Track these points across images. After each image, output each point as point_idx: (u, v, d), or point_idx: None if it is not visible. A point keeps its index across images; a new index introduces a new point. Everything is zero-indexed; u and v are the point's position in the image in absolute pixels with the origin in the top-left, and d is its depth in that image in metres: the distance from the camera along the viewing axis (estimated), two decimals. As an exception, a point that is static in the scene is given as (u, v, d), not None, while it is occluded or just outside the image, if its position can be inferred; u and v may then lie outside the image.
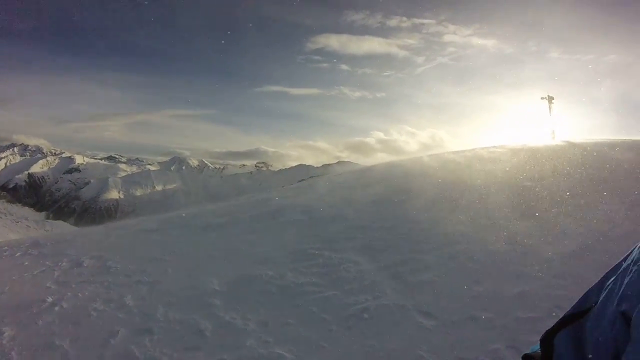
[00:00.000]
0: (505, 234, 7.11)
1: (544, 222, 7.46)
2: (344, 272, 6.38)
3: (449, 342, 4.20)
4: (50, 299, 6.10)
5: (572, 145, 15.70)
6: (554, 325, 0.96)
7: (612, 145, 14.22)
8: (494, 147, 17.40)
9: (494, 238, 6.97)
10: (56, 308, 5.80)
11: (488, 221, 7.88)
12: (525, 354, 1.05)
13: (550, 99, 21.66)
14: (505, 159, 14.57)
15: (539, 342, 1.00)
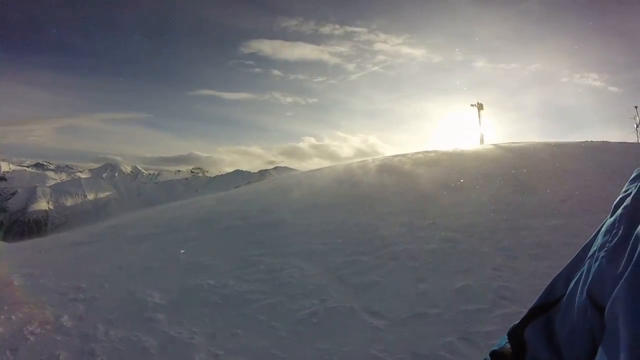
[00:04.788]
0: (442, 233, 7.38)
1: (480, 219, 7.84)
2: (288, 278, 6.35)
3: (402, 339, 4.27)
4: (-18, 324, 5.65)
5: (498, 148, 16.63)
6: (522, 319, 0.94)
7: (536, 147, 15.23)
8: (426, 151, 18.04)
9: (432, 237, 7.23)
10: (-10, 333, 5.37)
11: (425, 221, 8.15)
12: (493, 351, 0.99)
13: (480, 105, 22.76)
14: (437, 162, 15.19)
15: (505, 336, 0.98)
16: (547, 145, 16.62)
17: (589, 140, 17.09)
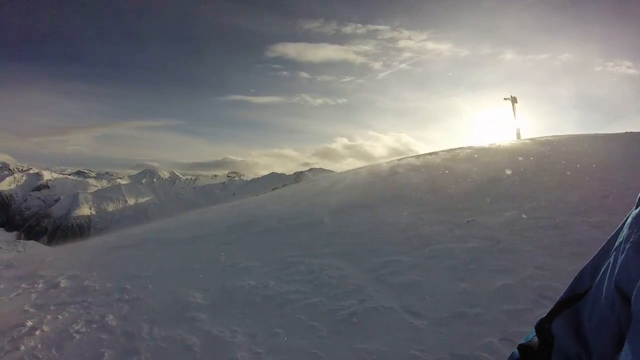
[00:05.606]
0: (481, 231, 7.24)
1: (519, 216, 7.64)
2: (327, 278, 6.36)
3: (441, 339, 4.22)
4: (30, 323, 5.88)
5: (535, 142, 16.23)
6: (549, 312, 0.95)
7: (574, 140, 14.80)
8: (462, 147, 17.77)
9: (472, 235, 7.10)
10: (37, 332, 5.58)
11: (464, 219, 8.02)
12: (521, 344, 1.02)
13: (514, 99, 22.21)
14: (474, 158, 14.93)
15: (533, 330, 0.99)
16: (586, 137, 16.14)
17: (629, 131, 16.42)
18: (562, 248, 5.90)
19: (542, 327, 0.95)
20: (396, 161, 18.66)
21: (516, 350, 1.01)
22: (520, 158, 13.31)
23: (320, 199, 13.67)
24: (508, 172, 11.43)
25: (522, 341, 1.02)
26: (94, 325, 5.73)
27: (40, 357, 4.92)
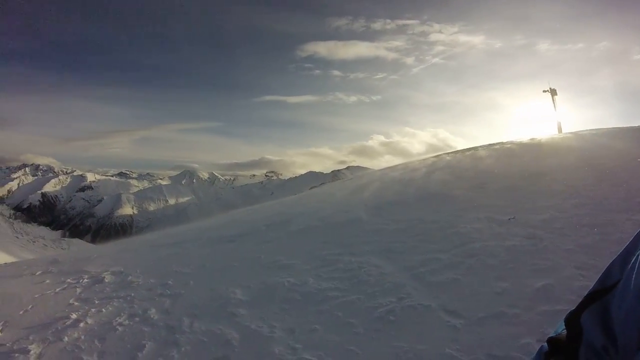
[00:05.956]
0: (522, 228, 7.08)
1: (561, 214, 7.43)
2: (366, 276, 6.37)
3: (478, 339, 4.19)
4: (74, 316, 6.17)
5: (577, 136, 15.71)
6: (578, 305, 0.95)
7: (618, 133, 14.26)
8: (501, 142, 17.39)
9: (512, 233, 6.95)
10: (81, 324, 5.85)
11: (504, 217, 7.85)
12: (550, 337, 1.02)
13: (553, 91, 21.48)
14: (514, 153, 14.58)
15: (563, 323, 0.99)
16: (629, 130, 15.46)
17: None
18: (605, 247, 5.70)
19: (571, 319, 0.95)
20: (434, 157, 18.44)
21: (545, 343, 1.01)
22: (561, 153, 12.92)
23: (358, 196, 13.64)
24: (549, 167, 11.11)
25: (551, 334, 1.02)
26: (137, 319, 5.95)
27: (83, 347, 5.15)
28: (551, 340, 1.00)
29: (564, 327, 0.98)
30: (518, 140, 17.15)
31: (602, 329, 0.87)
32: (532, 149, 14.93)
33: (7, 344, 5.30)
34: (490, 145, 17.49)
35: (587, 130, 17.44)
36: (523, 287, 5.02)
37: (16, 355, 4.99)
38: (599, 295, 0.90)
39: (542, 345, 1.03)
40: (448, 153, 18.70)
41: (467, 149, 18.42)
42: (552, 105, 21.25)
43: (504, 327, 4.30)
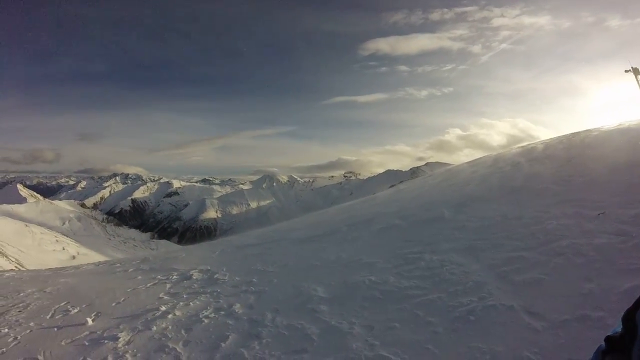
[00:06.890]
0: (612, 225, 6.59)
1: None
2: (448, 275, 6.31)
3: (558, 343, 4.05)
4: (163, 308, 6.70)
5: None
6: (635, 302, 0.93)
7: None
8: (587, 130, 16.23)
9: (601, 230, 6.50)
10: (169, 316, 6.33)
11: (594, 212, 7.35)
12: (608, 336, 1.02)
13: (636, 70, 19.58)
14: (602, 142, 13.53)
15: (621, 321, 0.97)
16: None
17: None
18: None
19: (628, 317, 0.94)
20: (516, 149, 17.60)
21: (603, 342, 1.00)
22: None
23: (439, 193, 13.41)
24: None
25: (609, 333, 1.01)
26: (222, 312, 6.34)
27: (170, 336, 5.60)
28: (608, 339, 1.00)
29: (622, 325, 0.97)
30: (605, 128, 15.86)
31: None
32: (621, 136, 13.74)
33: (98, 332, 5.91)
34: (575, 133, 16.39)
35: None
36: (610, 288, 4.74)
37: (106, 341, 5.56)
38: None
39: (600, 345, 1.03)
40: (529, 144, 17.78)
41: (551, 139, 17.40)
42: (638, 85, 19.38)
43: (587, 331, 4.11)
